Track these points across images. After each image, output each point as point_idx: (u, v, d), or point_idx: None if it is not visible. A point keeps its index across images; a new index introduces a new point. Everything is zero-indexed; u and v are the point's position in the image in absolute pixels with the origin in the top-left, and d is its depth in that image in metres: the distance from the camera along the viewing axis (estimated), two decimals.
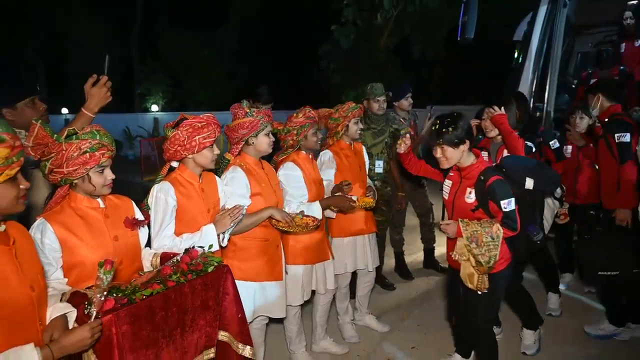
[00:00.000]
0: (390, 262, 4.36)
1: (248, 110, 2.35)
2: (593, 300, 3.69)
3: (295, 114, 2.68)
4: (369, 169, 3.40)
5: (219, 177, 2.38)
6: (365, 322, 3.37)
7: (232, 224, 2.17)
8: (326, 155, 2.99)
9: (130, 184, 8.77)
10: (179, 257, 1.81)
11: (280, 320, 2.77)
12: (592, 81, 4.02)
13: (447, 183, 2.42)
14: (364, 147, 3.28)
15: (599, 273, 2.91)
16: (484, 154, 2.61)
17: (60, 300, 1.52)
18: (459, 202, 2.31)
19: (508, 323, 3.21)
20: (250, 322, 2.38)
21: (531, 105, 4.36)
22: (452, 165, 2.30)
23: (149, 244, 2.00)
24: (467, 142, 2.23)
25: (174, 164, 2.18)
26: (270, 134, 2.45)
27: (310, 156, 2.82)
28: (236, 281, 1.96)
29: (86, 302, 1.48)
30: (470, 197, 2.25)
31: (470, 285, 2.23)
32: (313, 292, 2.85)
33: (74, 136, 1.66)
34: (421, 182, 4.13)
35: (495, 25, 9.27)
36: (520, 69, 4.52)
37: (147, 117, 17.04)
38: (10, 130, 1.28)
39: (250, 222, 2.34)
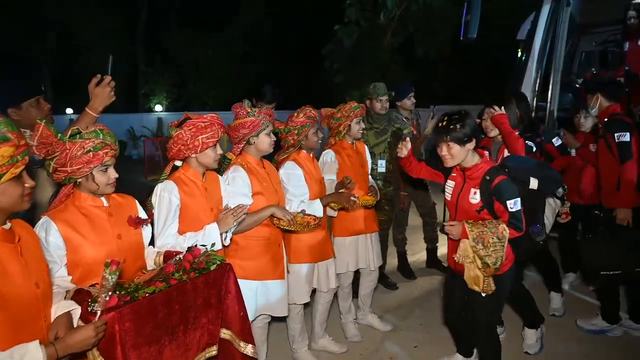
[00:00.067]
0: (393, 261, 4.36)
1: (249, 110, 2.37)
2: (596, 299, 3.68)
3: (295, 114, 2.69)
4: (372, 168, 3.40)
5: (221, 176, 2.40)
6: (367, 321, 3.38)
7: (234, 223, 2.18)
8: (328, 154, 3.00)
9: (134, 183, 8.81)
10: (181, 256, 1.83)
11: (282, 319, 2.79)
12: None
13: (450, 184, 2.39)
14: (366, 147, 3.29)
15: (602, 273, 2.91)
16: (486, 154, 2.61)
17: (65, 298, 1.54)
18: (462, 203, 2.29)
19: (510, 323, 3.21)
20: (253, 321, 2.39)
21: (534, 104, 4.35)
22: (457, 163, 2.26)
23: (152, 242, 2.01)
24: (474, 140, 2.21)
25: (178, 162, 2.19)
26: (272, 134, 2.46)
27: (312, 155, 2.83)
28: (238, 280, 1.97)
29: (90, 300, 1.50)
30: (475, 197, 2.22)
31: (475, 288, 2.20)
32: (313, 291, 2.86)
33: (78, 135, 1.67)
34: (424, 182, 4.13)
35: (499, 24, 9.25)
36: (524, 68, 4.51)
37: (151, 117, 17.13)
38: (15, 129, 1.29)
39: (252, 220, 2.35)
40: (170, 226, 2.07)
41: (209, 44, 18.03)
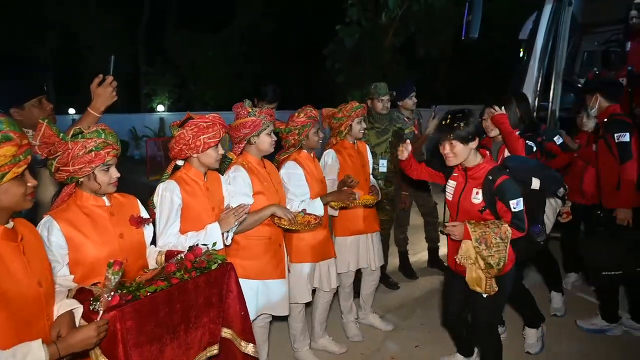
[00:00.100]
0: (394, 261, 4.36)
1: (250, 110, 2.37)
2: (597, 299, 3.68)
3: (296, 114, 2.69)
4: (373, 168, 3.40)
5: (222, 175, 2.40)
6: (369, 320, 3.38)
7: (236, 223, 2.18)
8: (329, 154, 3.01)
9: (136, 183, 8.83)
10: (183, 255, 1.83)
11: (284, 318, 2.79)
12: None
13: (451, 184, 2.37)
14: (367, 147, 3.29)
15: (603, 273, 2.91)
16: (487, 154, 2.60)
17: (67, 297, 1.55)
18: (464, 203, 2.27)
19: (511, 322, 3.21)
20: (254, 320, 2.40)
21: (536, 104, 4.35)
22: (459, 162, 2.24)
23: (154, 242, 2.02)
24: (477, 139, 2.20)
25: (180, 162, 2.20)
26: (272, 133, 2.46)
27: (312, 155, 2.83)
28: (239, 279, 1.98)
29: (92, 299, 1.51)
30: (477, 197, 2.21)
31: (478, 289, 2.19)
32: (313, 290, 2.87)
33: (80, 135, 1.68)
34: (425, 182, 4.13)
35: (501, 24, 9.24)
36: (525, 67, 4.50)
37: (153, 117, 17.14)
38: (17, 129, 1.30)
39: (253, 220, 2.36)
40: (172, 225, 2.08)
41: (206, 45, 18.04)
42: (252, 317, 2.28)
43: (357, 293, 3.37)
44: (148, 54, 19.08)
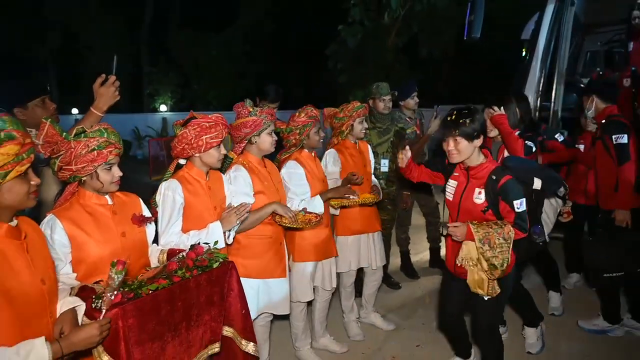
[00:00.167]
0: (396, 261, 4.36)
1: (251, 109, 2.38)
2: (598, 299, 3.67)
3: (297, 113, 2.70)
4: (375, 167, 3.40)
5: (223, 175, 2.41)
6: (370, 320, 3.39)
7: (237, 222, 2.19)
8: (331, 154, 3.01)
9: (139, 183, 8.85)
10: (184, 253, 1.85)
11: (285, 317, 2.80)
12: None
13: (452, 183, 2.33)
14: (369, 146, 3.30)
15: (604, 275, 2.90)
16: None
17: (70, 295, 1.56)
18: (466, 203, 2.23)
19: (511, 322, 3.20)
20: (255, 319, 2.40)
21: (538, 104, 4.34)
22: (463, 159, 2.21)
23: (156, 240, 2.03)
24: (481, 138, 2.18)
25: (182, 161, 2.21)
26: (273, 133, 2.47)
27: (314, 154, 2.84)
28: (240, 278, 1.99)
29: (94, 297, 1.52)
30: (480, 197, 2.18)
31: (480, 292, 2.17)
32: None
33: (83, 134, 1.70)
34: None
35: (503, 24, 9.22)
36: (528, 68, 4.48)
37: (155, 117, 17.17)
38: (20, 127, 1.32)
39: (255, 218, 2.37)
40: (174, 224, 2.09)
41: (209, 44, 18.05)
42: (253, 316, 2.29)
43: (359, 292, 3.37)
44: (151, 54, 19.10)
